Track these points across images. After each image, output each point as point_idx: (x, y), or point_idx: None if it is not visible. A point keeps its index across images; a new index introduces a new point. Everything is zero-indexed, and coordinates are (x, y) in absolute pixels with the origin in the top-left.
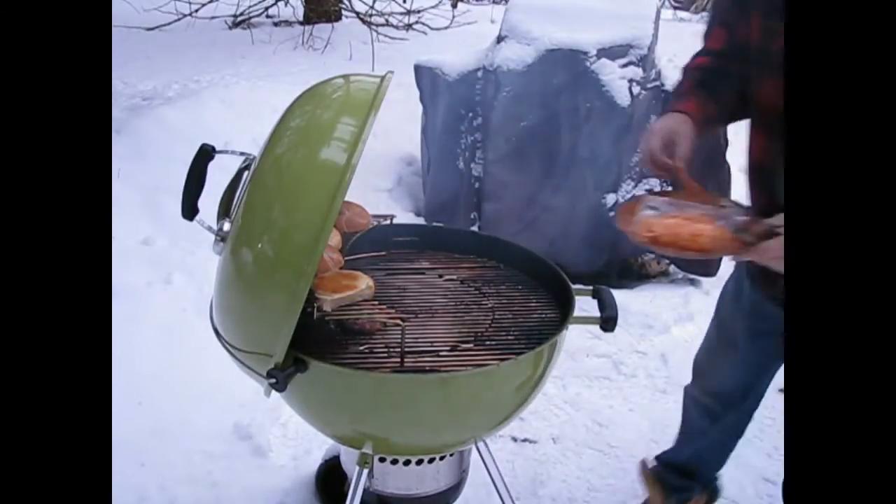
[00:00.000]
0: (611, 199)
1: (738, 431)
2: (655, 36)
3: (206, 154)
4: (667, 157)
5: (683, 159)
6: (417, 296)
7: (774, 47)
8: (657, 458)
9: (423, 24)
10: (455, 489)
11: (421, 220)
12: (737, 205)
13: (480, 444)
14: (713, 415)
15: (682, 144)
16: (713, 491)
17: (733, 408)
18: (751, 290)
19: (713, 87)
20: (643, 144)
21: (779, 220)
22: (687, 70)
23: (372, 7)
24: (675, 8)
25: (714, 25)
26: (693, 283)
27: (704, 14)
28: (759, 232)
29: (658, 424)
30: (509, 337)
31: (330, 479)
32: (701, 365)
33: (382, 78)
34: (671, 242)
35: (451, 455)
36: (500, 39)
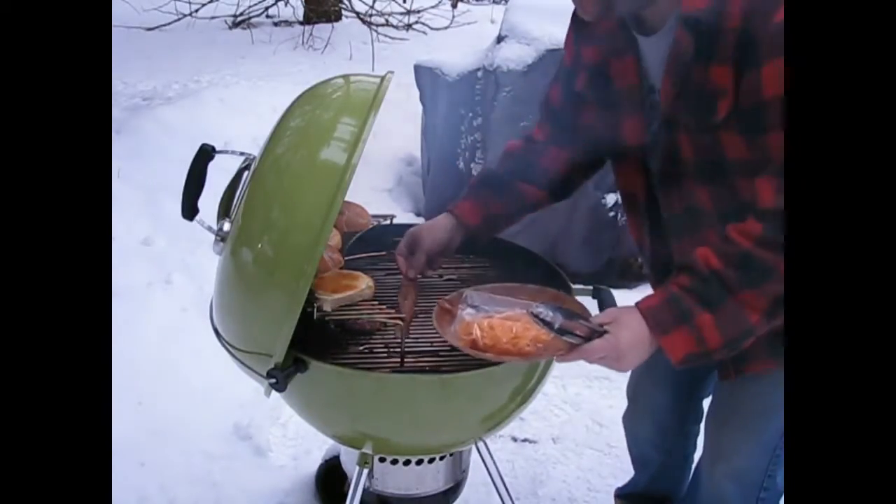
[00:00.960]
0: (611, 199)
1: (686, 453)
2: None
3: (206, 154)
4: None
5: (415, 270)
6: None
7: (620, 139)
8: (616, 494)
9: (423, 24)
10: (455, 489)
11: (421, 220)
12: (563, 300)
13: (480, 444)
14: (653, 443)
15: (418, 255)
16: None
17: (670, 436)
18: None
19: (503, 180)
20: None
21: (602, 318)
22: (501, 154)
23: (372, 7)
24: None
25: (543, 120)
26: None
27: None
28: (583, 333)
29: None
30: None
31: (330, 479)
32: (633, 392)
33: (382, 78)
34: (491, 347)
35: (451, 455)
36: (500, 39)
